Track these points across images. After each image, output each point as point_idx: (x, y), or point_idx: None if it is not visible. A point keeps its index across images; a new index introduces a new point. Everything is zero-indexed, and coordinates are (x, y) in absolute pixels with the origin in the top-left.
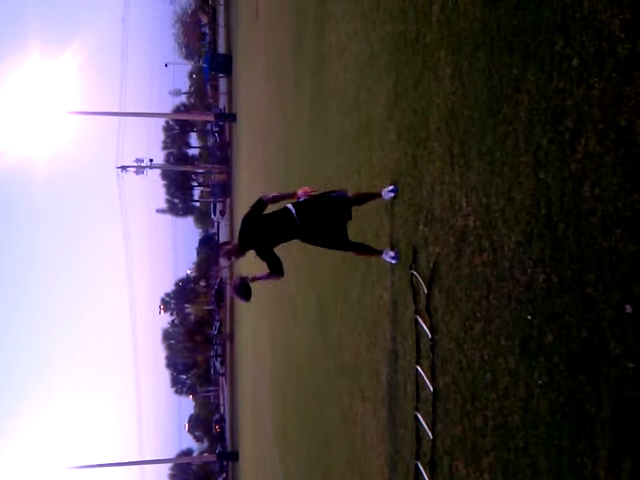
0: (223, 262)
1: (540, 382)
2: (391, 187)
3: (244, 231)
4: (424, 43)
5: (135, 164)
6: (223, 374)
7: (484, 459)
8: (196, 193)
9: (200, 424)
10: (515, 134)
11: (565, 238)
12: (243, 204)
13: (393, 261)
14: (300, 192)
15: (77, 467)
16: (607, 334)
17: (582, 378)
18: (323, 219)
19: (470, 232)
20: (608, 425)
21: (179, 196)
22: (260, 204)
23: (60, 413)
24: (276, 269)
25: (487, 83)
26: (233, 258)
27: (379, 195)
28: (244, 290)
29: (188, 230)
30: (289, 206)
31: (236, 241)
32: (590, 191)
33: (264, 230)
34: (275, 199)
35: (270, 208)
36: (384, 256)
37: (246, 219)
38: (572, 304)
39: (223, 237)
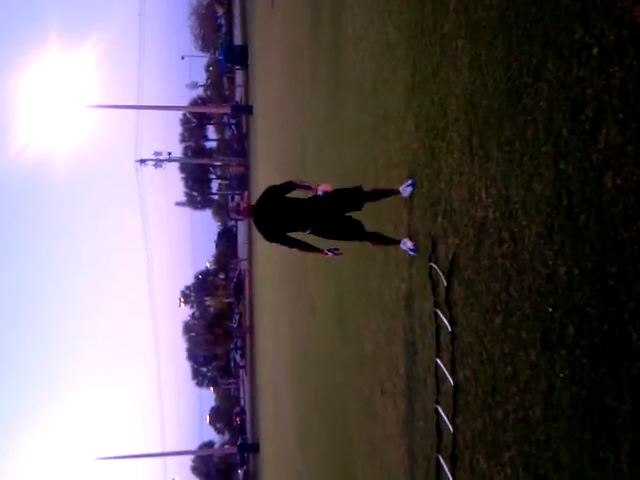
0: (232, 213)
1: (561, 375)
2: (409, 182)
3: (264, 202)
4: (441, 32)
5: (154, 157)
6: (243, 367)
7: (505, 453)
8: (214, 186)
9: (221, 416)
10: (535, 124)
11: (586, 229)
12: None
13: (411, 252)
14: (320, 188)
15: (102, 458)
16: (629, 327)
17: (604, 371)
18: (336, 208)
19: (490, 224)
20: (630, 419)
21: (197, 189)
22: (289, 185)
23: (85, 406)
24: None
25: (506, 72)
26: (241, 216)
27: (397, 192)
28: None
29: (207, 223)
30: (308, 199)
31: (253, 203)
32: (612, 182)
33: (279, 211)
34: (302, 186)
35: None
36: (402, 245)
37: (272, 192)
38: (593, 296)
39: (241, 230)
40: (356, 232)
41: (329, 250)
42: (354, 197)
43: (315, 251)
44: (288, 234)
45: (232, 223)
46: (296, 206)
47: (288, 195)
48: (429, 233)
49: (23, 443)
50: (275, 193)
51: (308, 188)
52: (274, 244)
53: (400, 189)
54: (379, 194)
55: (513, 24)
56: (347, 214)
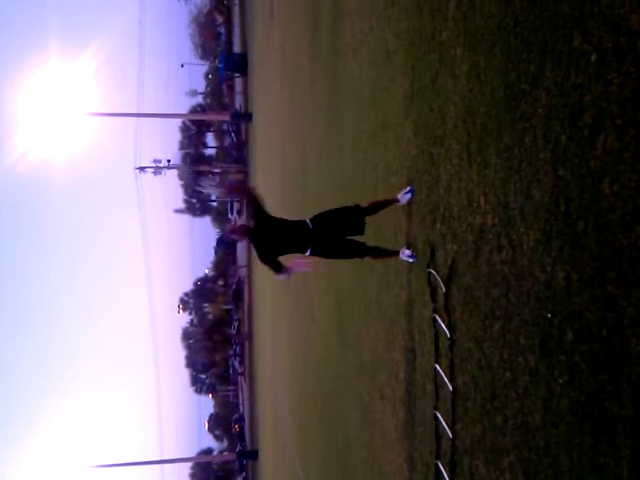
0: (228, 232)
1: (561, 381)
2: (408, 188)
3: (260, 224)
4: (440, 40)
5: (153, 165)
6: (242, 373)
7: (505, 458)
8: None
9: (220, 423)
10: (533, 131)
11: (585, 235)
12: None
13: (410, 260)
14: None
15: (98, 466)
16: (628, 332)
17: (603, 377)
18: (336, 230)
19: (488, 230)
20: (630, 424)
21: (196, 196)
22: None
23: (81, 413)
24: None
25: (504, 80)
26: (236, 236)
27: (396, 200)
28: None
29: (205, 230)
30: (307, 219)
31: (247, 224)
32: (609, 188)
33: (278, 234)
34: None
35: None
36: (401, 256)
37: (264, 217)
38: (592, 302)
39: None
40: (357, 250)
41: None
42: (353, 216)
43: (295, 269)
44: (281, 256)
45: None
46: (295, 228)
47: (286, 218)
48: (428, 240)
49: (17, 450)
50: (268, 218)
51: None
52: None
53: (399, 197)
54: (378, 206)
55: (511, 32)
56: (349, 237)
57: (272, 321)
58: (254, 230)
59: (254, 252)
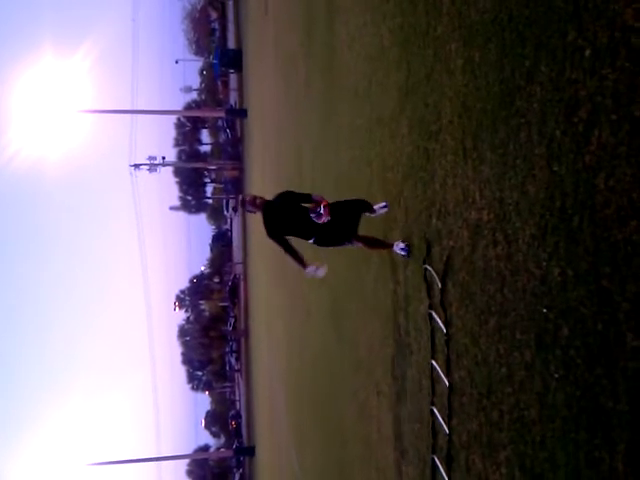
0: (249, 205)
1: (556, 376)
2: (402, 245)
3: (278, 201)
4: (435, 35)
5: (148, 162)
6: (238, 370)
7: (501, 453)
8: (208, 190)
9: (216, 420)
10: (528, 126)
11: (580, 231)
12: None
13: (403, 252)
14: (322, 219)
15: (95, 464)
16: (623, 327)
17: (598, 371)
18: (341, 219)
19: (484, 225)
20: (625, 419)
21: (192, 193)
22: (306, 197)
23: (78, 411)
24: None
25: (499, 75)
26: (255, 208)
27: (390, 245)
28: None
29: (201, 227)
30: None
31: (264, 199)
32: (604, 183)
33: (289, 215)
34: (314, 200)
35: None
36: (395, 248)
37: (289, 195)
38: (588, 297)
39: (236, 233)
40: (349, 232)
41: (311, 269)
42: (355, 210)
43: (300, 265)
44: (289, 238)
45: (227, 227)
46: (304, 216)
47: (302, 204)
48: (423, 235)
49: (14, 448)
50: (291, 198)
51: (315, 202)
52: (272, 241)
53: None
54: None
55: (506, 27)
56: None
57: (268, 317)
58: (269, 206)
59: (254, 238)
